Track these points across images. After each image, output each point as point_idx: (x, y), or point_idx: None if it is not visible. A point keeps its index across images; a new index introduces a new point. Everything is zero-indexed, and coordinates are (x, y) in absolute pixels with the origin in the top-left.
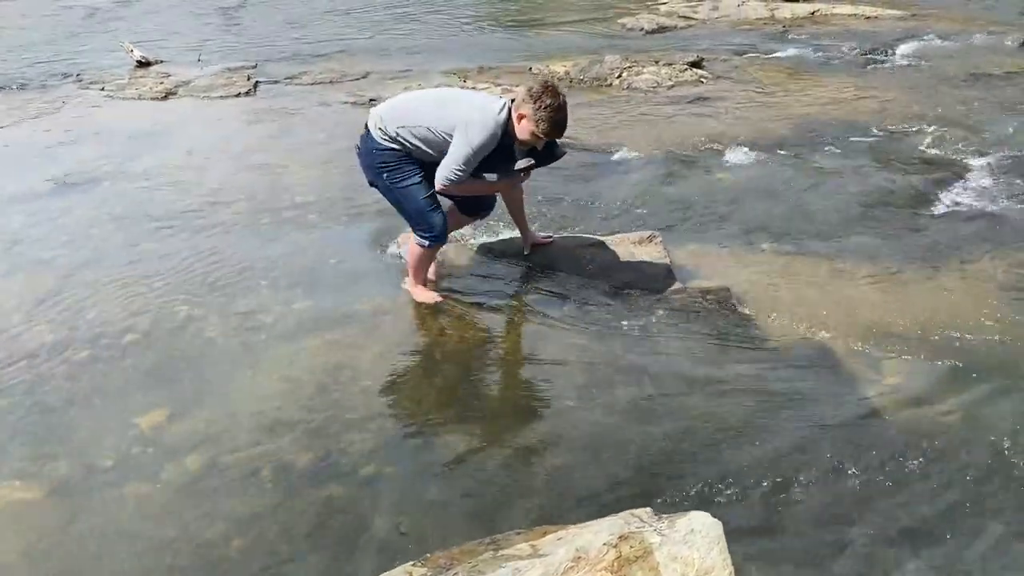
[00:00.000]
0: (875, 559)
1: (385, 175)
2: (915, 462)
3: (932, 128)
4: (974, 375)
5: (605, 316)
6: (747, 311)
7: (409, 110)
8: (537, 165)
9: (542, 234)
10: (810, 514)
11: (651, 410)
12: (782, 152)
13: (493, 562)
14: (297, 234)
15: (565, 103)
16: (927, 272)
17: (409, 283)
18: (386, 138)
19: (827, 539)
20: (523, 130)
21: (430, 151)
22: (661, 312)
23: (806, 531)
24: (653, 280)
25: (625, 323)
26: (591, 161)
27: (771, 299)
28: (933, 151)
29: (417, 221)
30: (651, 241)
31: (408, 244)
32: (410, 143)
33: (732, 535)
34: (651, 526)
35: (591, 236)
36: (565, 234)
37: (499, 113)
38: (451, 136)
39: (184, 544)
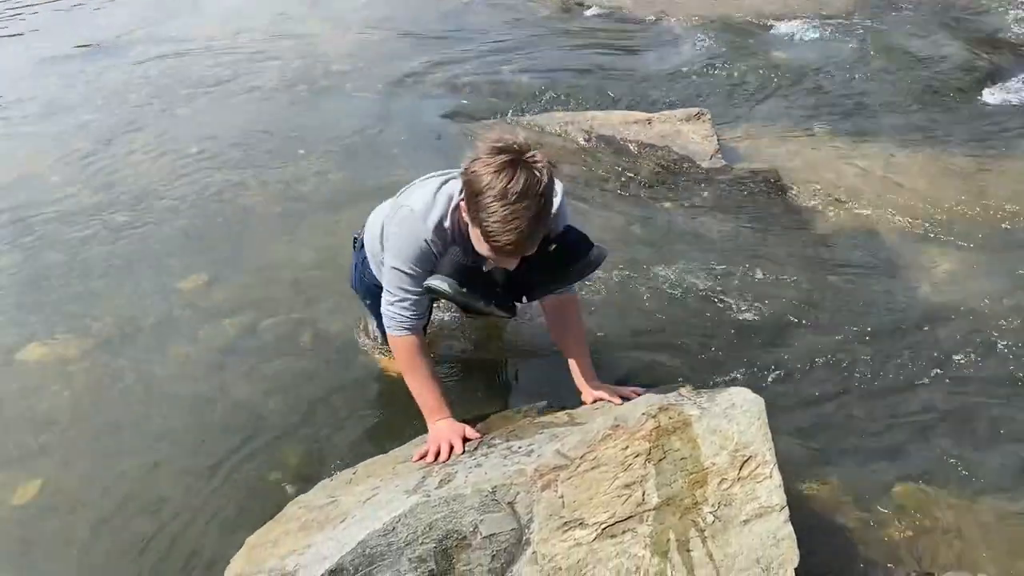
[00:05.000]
0: (911, 443)
1: None
2: (961, 348)
3: (1008, 7)
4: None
5: (648, 196)
6: (795, 194)
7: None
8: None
9: (618, 387)
10: (854, 396)
11: (692, 292)
12: (840, 27)
13: (531, 428)
14: (334, 103)
15: (533, 188)
16: (986, 159)
17: None
18: None
19: (869, 420)
20: (473, 237)
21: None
22: (706, 193)
23: (849, 414)
24: (699, 159)
25: (668, 203)
26: (635, 31)
27: (821, 182)
28: (1009, 32)
29: None
30: (699, 118)
31: None
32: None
33: (773, 415)
34: (691, 400)
35: (637, 112)
36: (611, 111)
37: (429, 218)
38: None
39: (225, 403)
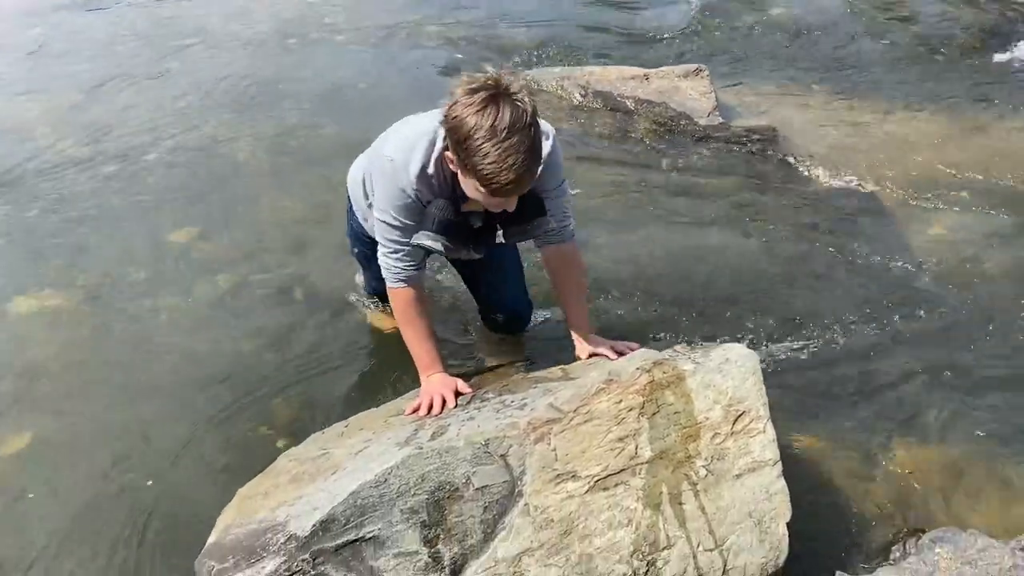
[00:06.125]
0: (903, 401)
1: None
2: (955, 308)
3: None
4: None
5: (645, 152)
6: (793, 152)
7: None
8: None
9: (614, 341)
10: (848, 354)
11: (688, 251)
12: None
13: (524, 382)
14: (325, 56)
15: (521, 120)
16: (986, 122)
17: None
18: None
19: (863, 378)
20: (466, 186)
21: None
22: (704, 151)
23: (843, 371)
24: (697, 116)
25: (666, 161)
26: None
27: (819, 141)
28: None
29: None
30: (698, 75)
31: None
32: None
33: (767, 371)
34: (685, 355)
35: (634, 68)
36: (608, 67)
37: (411, 168)
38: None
39: (216, 357)
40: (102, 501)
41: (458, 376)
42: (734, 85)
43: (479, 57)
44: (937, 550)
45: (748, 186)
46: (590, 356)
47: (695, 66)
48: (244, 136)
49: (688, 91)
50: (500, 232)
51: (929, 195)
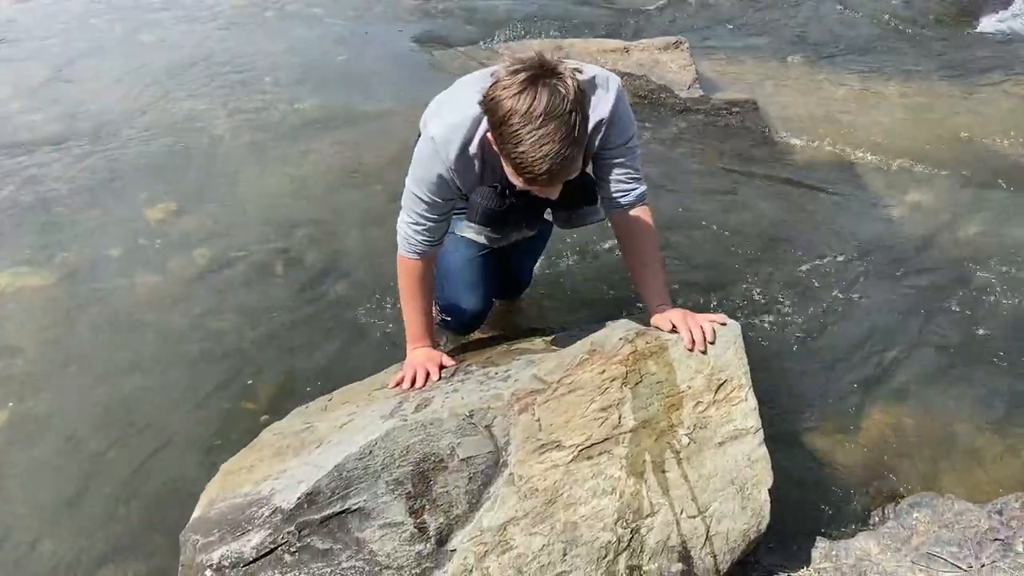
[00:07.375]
0: (882, 369)
1: None
2: (932, 276)
3: None
4: (998, 194)
5: None
6: (773, 124)
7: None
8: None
9: (696, 317)
10: (828, 322)
11: (668, 221)
12: None
13: (508, 354)
14: (302, 29)
15: (559, 107)
16: (962, 92)
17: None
18: None
19: (843, 345)
20: (507, 172)
21: None
22: (683, 124)
23: (823, 339)
24: (677, 89)
25: (646, 134)
26: None
27: (798, 114)
28: None
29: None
30: (677, 47)
31: None
32: None
33: (748, 340)
34: None
35: (615, 40)
36: (588, 39)
37: (450, 147)
38: None
39: (195, 334)
40: (83, 479)
41: (441, 350)
42: (714, 58)
43: (458, 30)
44: (915, 514)
45: (728, 157)
46: (673, 329)
47: (675, 38)
48: (221, 110)
49: (668, 64)
50: (549, 212)
51: (905, 163)
